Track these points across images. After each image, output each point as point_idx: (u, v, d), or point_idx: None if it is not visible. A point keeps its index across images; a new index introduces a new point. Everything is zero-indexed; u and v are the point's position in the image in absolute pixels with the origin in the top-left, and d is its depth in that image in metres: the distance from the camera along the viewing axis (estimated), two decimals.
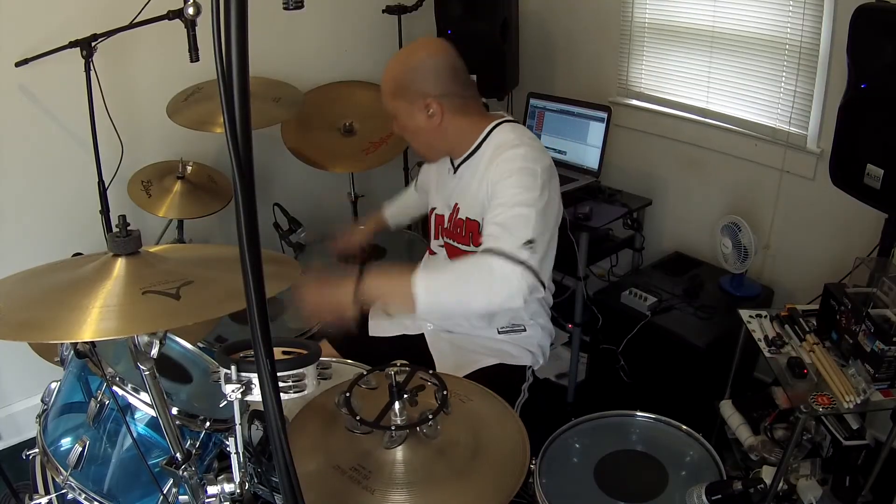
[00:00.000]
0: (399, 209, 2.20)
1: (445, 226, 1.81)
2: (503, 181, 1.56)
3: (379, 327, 1.92)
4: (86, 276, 1.07)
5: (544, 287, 1.65)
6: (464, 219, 1.73)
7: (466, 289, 1.46)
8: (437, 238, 1.86)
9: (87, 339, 1.04)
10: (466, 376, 1.64)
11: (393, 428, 1.19)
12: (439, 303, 1.47)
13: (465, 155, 1.72)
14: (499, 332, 1.81)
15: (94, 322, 0.96)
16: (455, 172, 1.76)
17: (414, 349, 1.82)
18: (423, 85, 1.62)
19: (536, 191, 1.53)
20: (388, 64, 1.68)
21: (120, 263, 1.08)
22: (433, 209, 1.87)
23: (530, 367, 1.84)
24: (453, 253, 1.80)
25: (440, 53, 1.65)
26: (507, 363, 1.78)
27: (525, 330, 1.82)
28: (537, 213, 1.50)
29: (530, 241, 1.45)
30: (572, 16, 3.02)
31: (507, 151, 1.61)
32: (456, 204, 1.76)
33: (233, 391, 1.07)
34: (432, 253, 1.91)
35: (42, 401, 1.51)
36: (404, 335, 1.89)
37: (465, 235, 1.74)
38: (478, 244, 1.67)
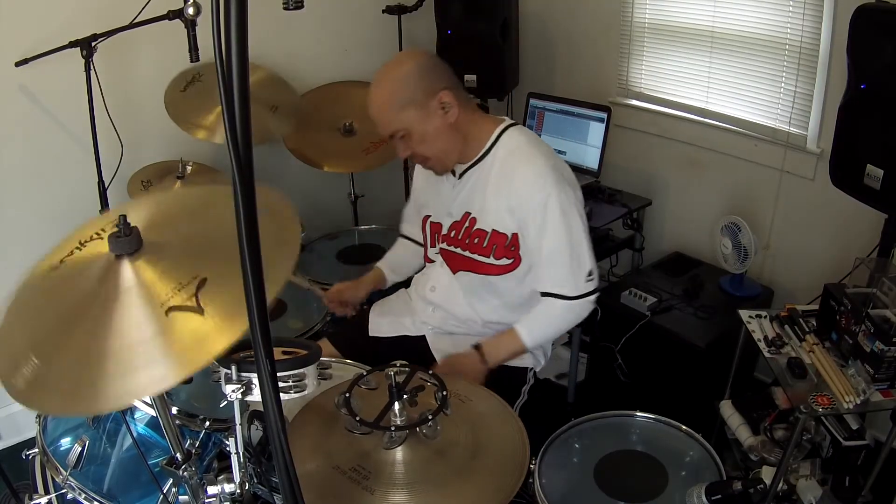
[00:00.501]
0: (398, 263, 2.04)
1: (445, 233, 1.78)
2: (544, 206, 1.59)
3: (379, 327, 1.91)
4: (97, 292, 0.98)
5: None
6: (487, 230, 1.69)
7: (557, 331, 1.76)
8: (433, 246, 1.83)
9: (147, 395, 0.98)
10: None
11: (393, 428, 1.19)
12: (539, 346, 1.79)
13: (472, 161, 1.70)
14: None
15: (143, 371, 0.90)
16: (459, 178, 1.73)
17: (415, 350, 1.82)
18: (428, 83, 1.57)
19: (577, 213, 1.63)
20: (377, 89, 1.59)
21: (125, 271, 0.98)
22: (427, 217, 1.84)
23: (532, 368, 1.84)
24: (458, 264, 1.76)
25: (425, 54, 1.63)
26: (508, 364, 1.78)
27: None
28: (587, 238, 1.65)
29: (591, 273, 1.66)
30: (572, 16, 3.02)
31: (532, 161, 1.61)
32: (467, 213, 1.72)
33: (233, 391, 1.07)
34: (430, 261, 1.87)
35: None
36: (405, 336, 1.88)
37: (486, 247, 1.70)
38: (500, 257, 1.69)
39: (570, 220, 1.61)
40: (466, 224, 1.73)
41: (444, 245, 1.80)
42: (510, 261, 1.69)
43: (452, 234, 1.76)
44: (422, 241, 1.93)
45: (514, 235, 1.66)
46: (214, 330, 0.93)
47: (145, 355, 0.91)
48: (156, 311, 0.95)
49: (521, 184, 1.60)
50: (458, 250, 1.76)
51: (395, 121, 1.60)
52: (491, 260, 1.70)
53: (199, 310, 0.94)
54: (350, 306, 1.98)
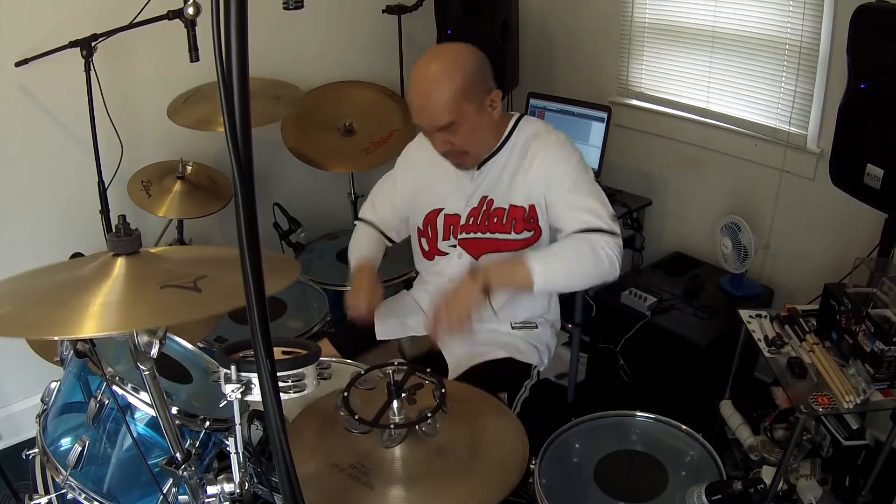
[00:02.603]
0: (377, 252, 1.92)
1: (464, 223, 1.77)
2: (565, 165, 1.66)
3: (386, 330, 1.89)
4: (90, 275, 1.04)
5: None
6: (505, 206, 1.72)
7: (578, 267, 1.57)
8: (446, 239, 1.82)
9: (94, 333, 0.99)
10: (475, 366, 1.68)
11: (391, 426, 1.19)
12: (553, 281, 1.59)
13: (489, 152, 1.73)
14: (512, 328, 1.82)
15: (102, 315, 0.94)
16: (479, 169, 1.75)
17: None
18: (484, 81, 1.63)
19: (591, 172, 1.72)
20: (440, 77, 1.56)
21: (121, 263, 1.05)
22: (439, 210, 1.81)
23: (536, 367, 1.84)
24: (481, 248, 1.76)
25: (475, 51, 1.65)
26: (516, 358, 1.78)
27: (537, 327, 1.84)
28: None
29: (614, 216, 1.64)
30: (572, 16, 3.02)
31: (549, 138, 1.70)
32: (485, 197, 1.75)
33: (233, 391, 1.07)
34: (441, 254, 1.83)
35: (42, 401, 1.51)
36: (412, 336, 1.88)
37: (506, 223, 1.73)
38: (521, 230, 1.72)
39: (588, 170, 1.70)
40: (484, 207, 1.75)
41: (463, 235, 1.79)
42: (531, 233, 1.72)
43: (472, 220, 1.77)
44: (392, 235, 1.95)
45: (532, 207, 1.70)
46: (208, 301, 0.99)
47: (115, 306, 0.96)
48: (148, 285, 1.00)
49: (552, 153, 1.67)
50: (479, 234, 1.77)
51: (454, 111, 1.58)
52: (512, 235, 1.72)
53: (195, 289, 0.99)
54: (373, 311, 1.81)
